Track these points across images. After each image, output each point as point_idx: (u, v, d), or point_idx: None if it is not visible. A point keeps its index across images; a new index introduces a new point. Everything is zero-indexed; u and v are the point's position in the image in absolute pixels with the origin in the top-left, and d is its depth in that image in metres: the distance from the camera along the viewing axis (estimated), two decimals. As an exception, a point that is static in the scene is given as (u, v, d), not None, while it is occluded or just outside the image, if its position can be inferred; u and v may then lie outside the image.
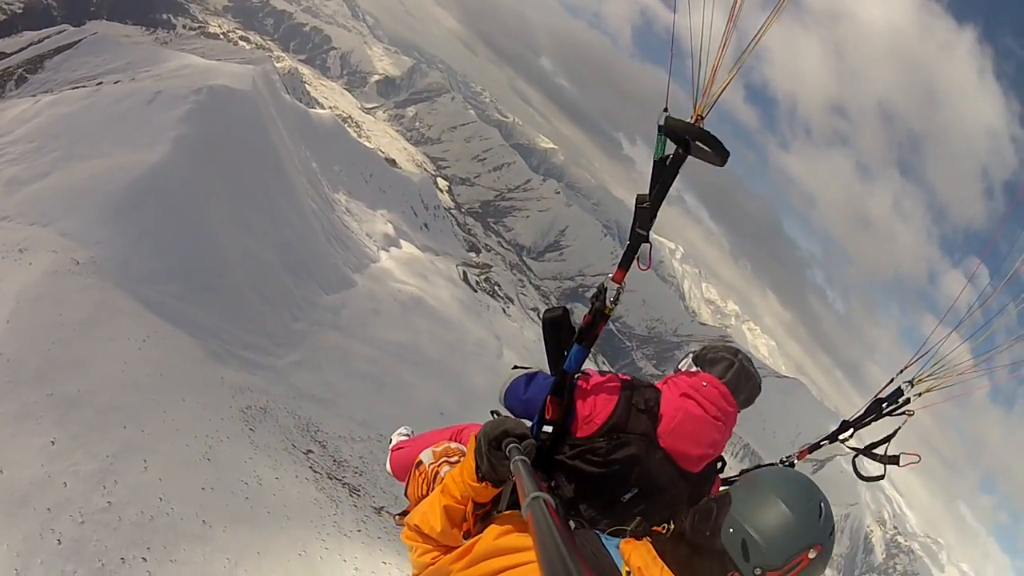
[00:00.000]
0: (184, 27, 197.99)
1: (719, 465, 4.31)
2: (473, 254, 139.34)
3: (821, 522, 2.72)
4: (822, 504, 2.78)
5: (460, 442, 5.04)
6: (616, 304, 3.77)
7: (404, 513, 5.10)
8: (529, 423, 4.02)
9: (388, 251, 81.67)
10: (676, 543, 2.98)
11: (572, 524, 3.71)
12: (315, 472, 33.00)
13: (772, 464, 5.11)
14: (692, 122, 3.38)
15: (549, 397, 4.02)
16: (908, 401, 4.92)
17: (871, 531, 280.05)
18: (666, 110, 3.42)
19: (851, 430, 5.23)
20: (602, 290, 3.75)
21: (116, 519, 19.18)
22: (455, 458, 4.63)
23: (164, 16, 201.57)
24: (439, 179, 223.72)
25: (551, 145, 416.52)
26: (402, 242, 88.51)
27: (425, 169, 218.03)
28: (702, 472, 4.13)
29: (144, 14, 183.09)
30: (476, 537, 3.09)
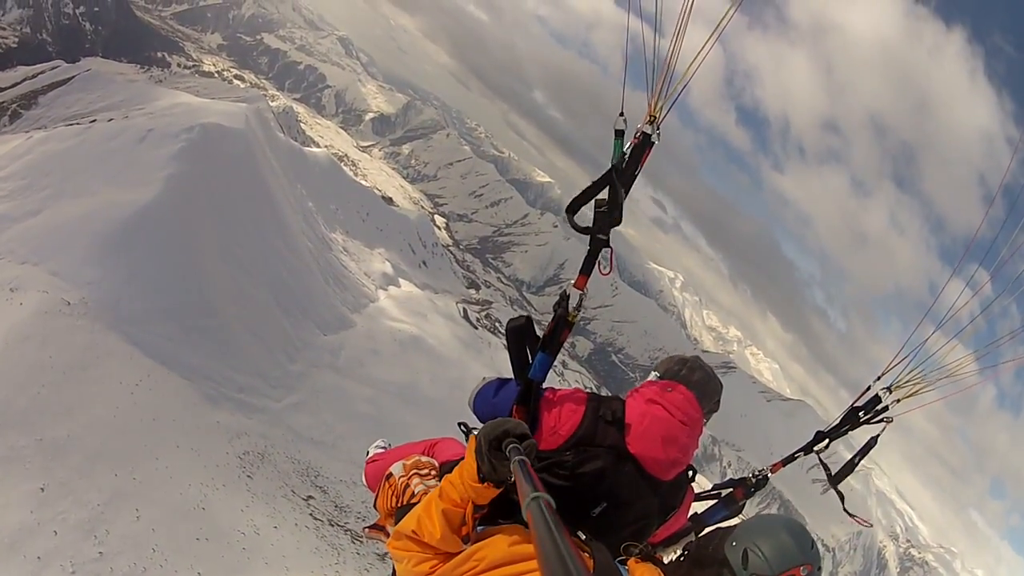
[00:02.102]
0: (179, 65, 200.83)
1: (690, 474, 4.24)
2: (473, 291, 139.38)
3: (813, 551, 3.14)
4: (814, 542, 3.18)
5: (432, 455, 4.96)
6: (580, 311, 3.82)
7: (374, 526, 5.06)
8: None
9: (386, 290, 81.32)
10: (678, 563, 3.40)
11: (582, 536, 3.56)
12: (315, 519, 32.15)
13: (744, 478, 5.18)
14: (644, 134, 3.58)
15: (515, 407, 4.00)
16: (886, 408, 4.80)
17: (884, 547, 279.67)
18: (622, 114, 3.58)
19: (827, 440, 5.09)
20: (565, 297, 3.81)
21: (108, 570, 18.75)
22: (425, 471, 4.57)
23: (159, 54, 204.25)
24: (436, 216, 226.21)
25: (547, 179, 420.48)
26: (401, 280, 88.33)
27: (422, 206, 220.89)
28: (673, 481, 4.04)
29: (139, 52, 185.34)
30: (481, 543, 3.09)
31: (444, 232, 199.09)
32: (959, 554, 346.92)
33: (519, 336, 4.01)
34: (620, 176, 3.64)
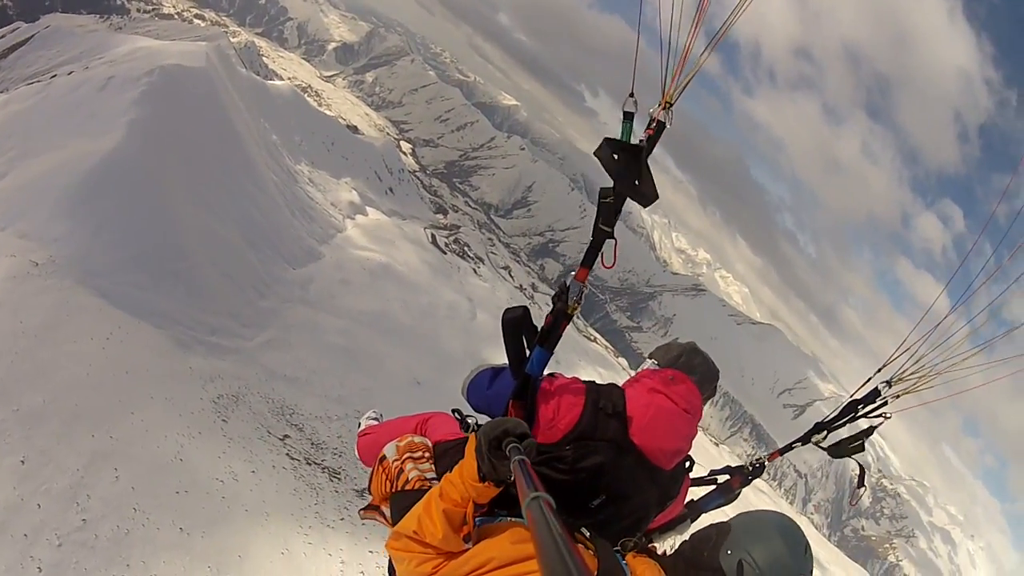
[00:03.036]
0: (138, 11, 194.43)
1: (688, 464, 4.31)
2: (440, 216, 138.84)
3: (807, 556, 3.19)
4: (807, 545, 3.23)
5: (424, 433, 4.94)
6: (580, 304, 3.73)
7: (370, 507, 4.93)
8: None
9: (354, 219, 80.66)
10: (674, 560, 3.40)
11: (587, 533, 3.59)
12: (292, 459, 32.62)
13: (741, 466, 5.29)
14: (658, 122, 3.46)
15: (511, 401, 3.98)
16: (885, 403, 4.88)
17: (855, 475, 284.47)
18: (632, 95, 3.42)
19: (825, 432, 5.19)
20: (564, 289, 3.73)
21: (92, 537, 18.92)
22: (418, 453, 4.51)
23: (118, 2, 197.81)
24: (402, 143, 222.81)
25: (513, 102, 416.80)
26: (368, 209, 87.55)
27: (388, 133, 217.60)
28: (672, 471, 4.10)
29: (98, 2, 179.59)
30: (485, 543, 3.16)
31: (410, 158, 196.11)
32: (931, 489, 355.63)
33: (516, 328, 3.92)
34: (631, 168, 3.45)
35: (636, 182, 3.45)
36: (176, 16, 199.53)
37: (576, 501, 3.84)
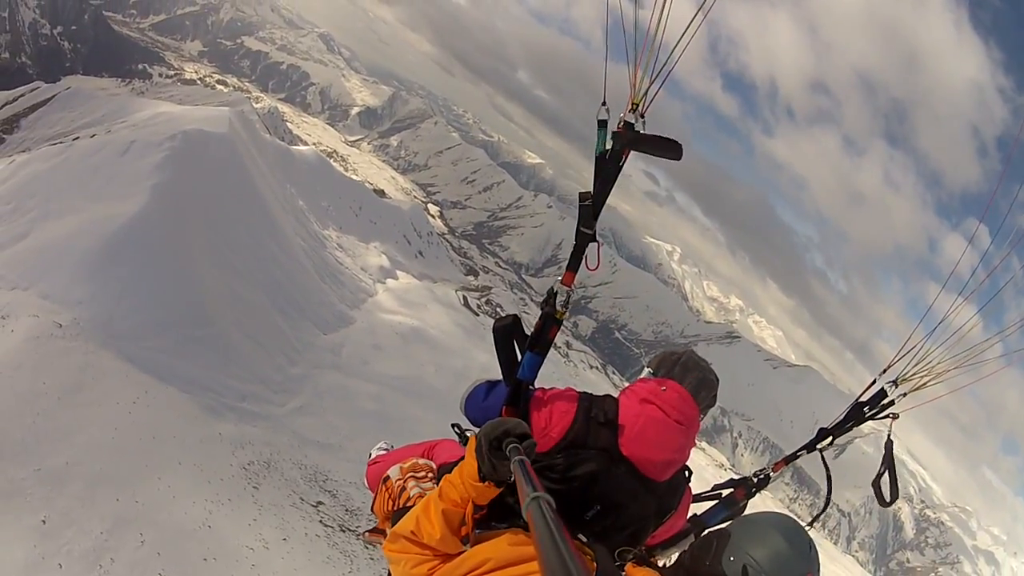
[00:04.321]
0: (160, 75, 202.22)
1: (686, 475, 4.21)
2: (471, 277, 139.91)
3: (812, 555, 3.05)
4: (811, 542, 3.08)
5: (430, 458, 4.97)
6: (568, 308, 3.81)
7: (374, 531, 5.05)
8: None
9: (384, 283, 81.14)
10: (675, 571, 3.35)
11: (583, 538, 3.55)
12: (326, 526, 31.76)
13: (746, 478, 5.08)
14: (627, 123, 3.57)
15: (504, 408, 3.97)
16: (892, 403, 4.66)
17: (899, 508, 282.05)
18: (604, 103, 3.56)
19: (830, 437, 4.94)
20: (552, 294, 3.80)
21: None
22: (421, 473, 4.58)
23: (139, 66, 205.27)
24: (430, 205, 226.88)
25: (538, 160, 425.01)
26: (398, 273, 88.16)
27: (415, 196, 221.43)
28: (669, 483, 3.99)
29: (119, 66, 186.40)
30: (482, 545, 3.08)
31: (438, 220, 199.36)
32: (974, 512, 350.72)
33: (506, 336, 4.00)
34: (604, 168, 3.64)
35: (608, 183, 3.65)
36: (198, 81, 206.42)
37: (571, 512, 3.75)
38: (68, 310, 32.04)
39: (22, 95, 71.05)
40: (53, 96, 66.14)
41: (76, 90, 69.55)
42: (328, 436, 42.69)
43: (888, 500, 4.79)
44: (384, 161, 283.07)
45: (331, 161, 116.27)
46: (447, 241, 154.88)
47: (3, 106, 69.08)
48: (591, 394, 4.08)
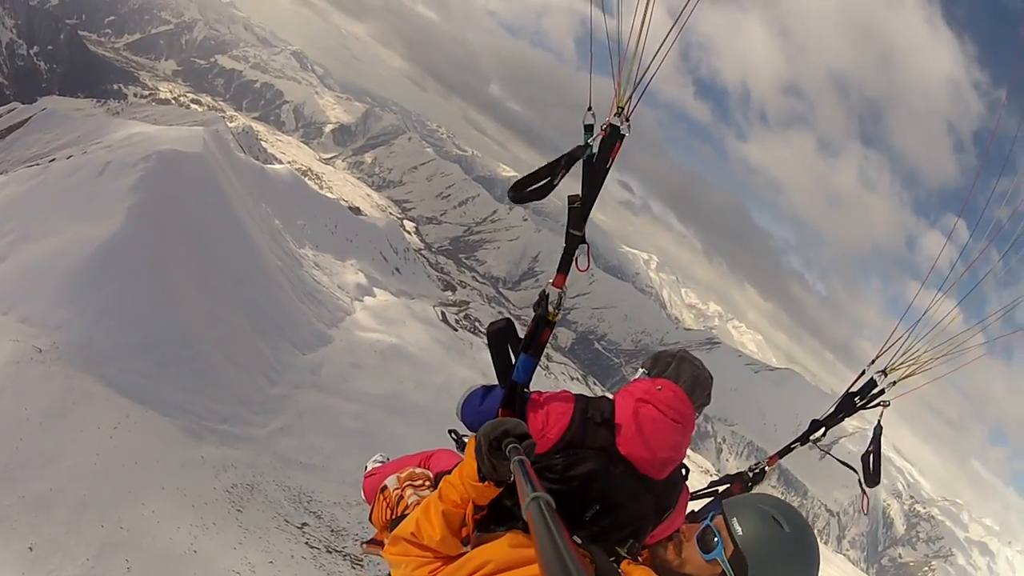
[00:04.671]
0: (135, 95, 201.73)
1: (684, 473, 4.24)
2: (449, 292, 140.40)
3: (792, 529, 2.97)
4: (794, 519, 3.01)
5: (427, 467, 5.00)
6: (560, 310, 3.85)
7: (372, 541, 5.11)
8: None
9: (362, 301, 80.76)
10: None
11: (579, 540, 3.54)
12: (312, 548, 31.53)
13: (740, 473, 5.25)
14: (612, 126, 3.62)
15: (500, 410, 4.00)
16: (882, 392, 4.86)
17: (888, 505, 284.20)
18: (590, 108, 3.62)
19: (823, 429, 5.17)
20: (544, 296, 3.85)
21: None
22: (419, 482, 4.60)
23: (115, 86, 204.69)
24: (406, 221, 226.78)
25: (512, 173, 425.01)
26: (375, 290, 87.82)
27: (390, 213, 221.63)
28: (667, 481, 3.98)
29: (95, 85, 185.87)
30: (482, 547, 3.06)
31: (414, 236, 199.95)
32: (965, 505, 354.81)
33: (500, 339, 4.08)
34: (592, 171, 3.70)
35: (596, 186, 3.73)
36: (173, 101, 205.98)
37: (570, 512, 3.75)
38: (47, 334, 31.74)
39: None
40: (29, 117, 65.58)
41: (52, 111, 68.99)
42: (311, 456, 42.47)
43: (870, 483, 4.96)
44: (359, 178, 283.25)
45: (306, 179, 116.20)
46: (424, 257, 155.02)
47: None
48: (586, 396, 4.11)
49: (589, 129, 3.64)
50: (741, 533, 2.96)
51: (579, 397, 4.07)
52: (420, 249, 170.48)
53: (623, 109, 3.60)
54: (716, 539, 3.04)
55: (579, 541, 3.51)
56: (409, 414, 55.82)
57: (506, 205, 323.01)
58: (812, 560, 2.98)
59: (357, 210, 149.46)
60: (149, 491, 26.62)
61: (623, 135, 3.64)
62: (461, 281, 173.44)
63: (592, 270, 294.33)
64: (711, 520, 3.12)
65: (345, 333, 66.18)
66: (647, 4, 3.41)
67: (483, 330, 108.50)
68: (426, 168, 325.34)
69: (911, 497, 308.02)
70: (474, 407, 4.36)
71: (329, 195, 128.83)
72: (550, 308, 3.84)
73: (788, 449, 5.40)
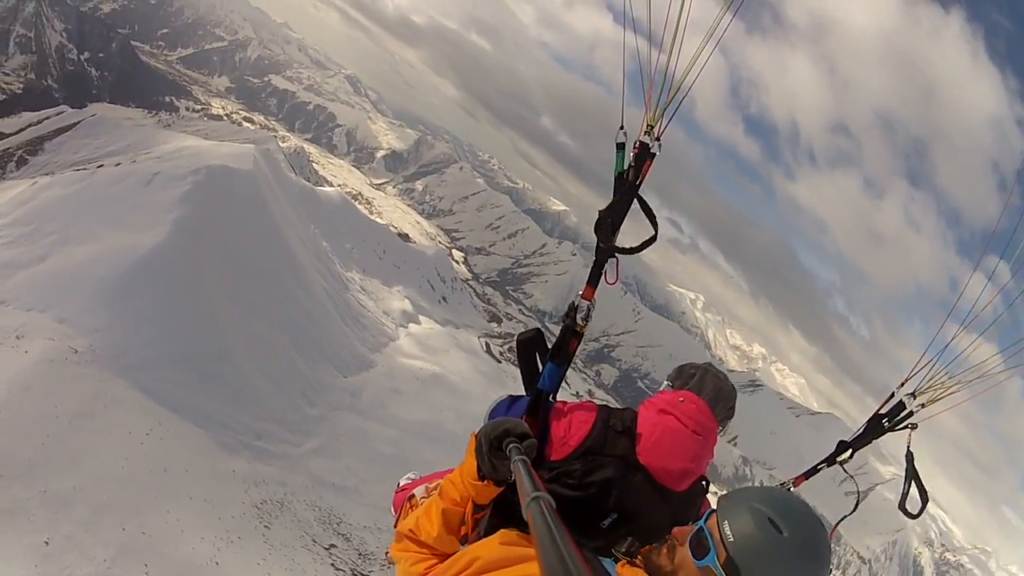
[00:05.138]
0: (187, 109, 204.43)
1: (704, 485, 4.07)
2: (495, 324, 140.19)
3: (789, 519, 2.70)
4: (792, 508, 2.73)
5: None
6: (588, 321, 3.82)
7: None
8: None
9: (407, 327, 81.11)
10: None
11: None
12: (337, 569, 31.15)
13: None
14: (642, 143, 3.70)
15: (525, 417, 3.87)
16: (911, 414, 4.61)
17: (919, 553, 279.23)
18: (622, 127, 3.76)
19: (850, 450, 4.93)
20: (573, 308, 3.83)
21: None
22: None
23: (167, 98, 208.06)
24: (454, 251, 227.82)
25: (562, 207, 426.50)
26: (421, 317, 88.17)
27: (439, 242, 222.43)
28: (686, 493, 3.87)
29: (146, 96, 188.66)
30: (475, 544, 2.94)
31: (463, 266, 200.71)
32: (993, 553, 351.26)
33: (529, 347, 4.04)
34: (624, 188, 3.76)
35: (626, 202, 3.76)
36: (225, 118, 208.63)
37: (588, 520, 3.67)
38: (84, 336, 31.97)
39: (47, 118, 72.51)
40: (79, 122, 67.24)
41: (102, 117, 70.66)
42: (344, 479, 42.19)
43: (915, 513, 4.70)
44: (409, 205, 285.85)
45: (356, 203, 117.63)
46: (471, 287, 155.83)
47: (27, 127, 70.23)
48: (610, 406, 4.04)
49: (621, 147, 3.76)
50: (732, 539, 2.62)
51: (602, 407, 4.03)
52: (468, 279, 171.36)
53: (652, 128, 3.69)
54: (709, 543, 2.72)
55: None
56: (446, 443, 55.40)
57: (555, 239, 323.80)
58: (817, 565, 2.63)
59: (406, 237, 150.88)
60: (175, 499, 26.51)
61: (653, 154, 3.73)
62: (507, 313, 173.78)
63: (639, 308, 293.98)
64: (704, 522, 2.81)
65: (387, 358, 66.26)
66: (676, 25, 3.51)
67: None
68: (477, 198, 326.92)
69: (942, 545, 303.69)
70: (500, 415, 4.19)
71: (379, 220, 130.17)
72: (578, 319, 3.81)
73: (815, 470, 5.27)
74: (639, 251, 3.76)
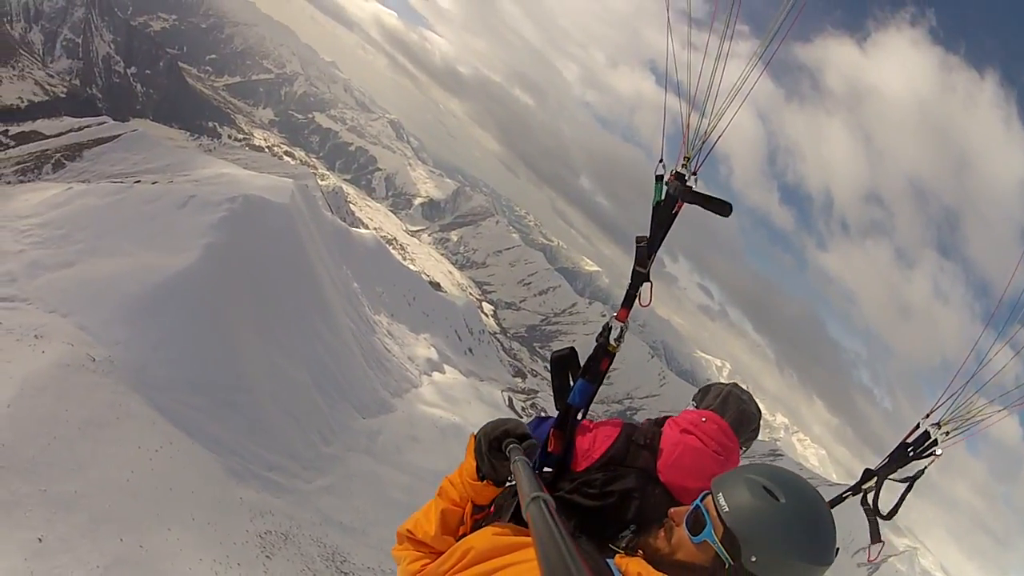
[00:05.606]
0: (230, 137, 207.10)
1: None
2: (519, 379, 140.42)
3: (785, 497, 2.71)
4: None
5: None
6: (620, 343, 3.91)
7: None
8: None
9: (430, 376, 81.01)
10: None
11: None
12: None
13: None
14: (678, 173, 3.73)
15: (552, 430, 3.93)
16: (935, 443, 4.56)
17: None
18: (661, 160, 3.76)
19: (875, 479, 4.80)
20: (606, 328, 3.89)
21: None
22: None
23: (210, 124, 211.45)
24: (484, 303, 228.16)
25: (595, 268, 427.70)
26: (445, 367, 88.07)
27: (470, 293, 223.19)
28: None
29: (190, 119, 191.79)
30: (469, 536, 3.00)
31: (491, 319, 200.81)
32: None
33: (562, 365, 4.01)
34: (661, 215, 3.82)
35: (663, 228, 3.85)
36: (267, 150, 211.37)
37: (607, 530, 3.59)
38: (104, 347, 32.12)
39: (88, 126, 74.00)
40: (120, 135, 68.40)
41: (143, 134, 71.93)
42: (353, 519, 41.88)
43: (885, 515, 4.73)
44: (443, 254, 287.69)
45: (390, 248, 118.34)
46: (498, 340, 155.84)
47: (67, 132, 71.48)
48: (636, 423, 4.14)
49: (659, 179, 3.80)
50: (727, 509, 2.63)
51: (627, 423, 4.07)
52: (496, 332, 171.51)
53: (690, 160, 3.74)
54: (705, 519, 2.73)
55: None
56: (459, 494, 55.06)
57: (586, 299, 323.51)
58: (817, 531, 2.61)
59: (437, 285, 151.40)
60: (177, 519, 26.34)
61: (689, 186, 3.75)
62: (532, 369, 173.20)
63: (664, 373, 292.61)
64: (701, 500, 2.84)
65: (408, 404, 66.23)
66: (716, 61, 3.50)
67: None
68: (510, 253, 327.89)
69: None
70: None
71: (411, 267, 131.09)
72: (611, 340, 3.88)
73: (840, 499, 4.88)
74: (710, 204, 3.74)
